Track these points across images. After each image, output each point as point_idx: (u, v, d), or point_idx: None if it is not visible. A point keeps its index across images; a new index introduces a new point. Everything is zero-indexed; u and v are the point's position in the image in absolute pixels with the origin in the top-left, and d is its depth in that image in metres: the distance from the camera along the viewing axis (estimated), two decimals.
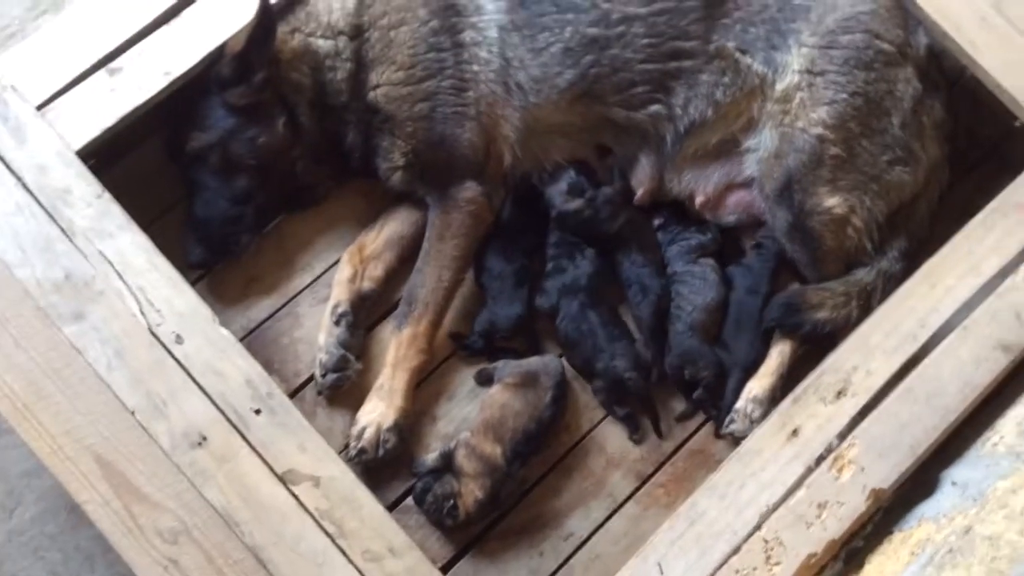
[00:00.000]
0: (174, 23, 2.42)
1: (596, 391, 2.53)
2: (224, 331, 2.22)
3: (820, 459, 2.20)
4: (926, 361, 2.26)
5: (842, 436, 2.21)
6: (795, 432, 2.23)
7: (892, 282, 2.48)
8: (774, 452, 2.21)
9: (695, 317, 2.51)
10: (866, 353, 2.28)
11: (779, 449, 2.22)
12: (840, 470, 2.19)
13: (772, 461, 2.21)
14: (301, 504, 2.11)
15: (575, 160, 2.59)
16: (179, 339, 2.19)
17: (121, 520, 2.07)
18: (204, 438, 2.13)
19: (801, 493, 2.17)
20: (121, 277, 2.22)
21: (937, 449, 2.23)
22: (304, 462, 2.14)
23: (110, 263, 2.23)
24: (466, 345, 2.56)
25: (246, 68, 2.38)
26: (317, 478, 2.13)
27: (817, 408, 2.25)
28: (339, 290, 2.54)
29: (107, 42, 2.38)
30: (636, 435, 2.52)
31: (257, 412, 2.16)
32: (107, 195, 2.29)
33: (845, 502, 2.16)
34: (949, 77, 2.62)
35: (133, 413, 2.13)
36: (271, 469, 2.13)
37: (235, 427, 2.14)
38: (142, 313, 2.20)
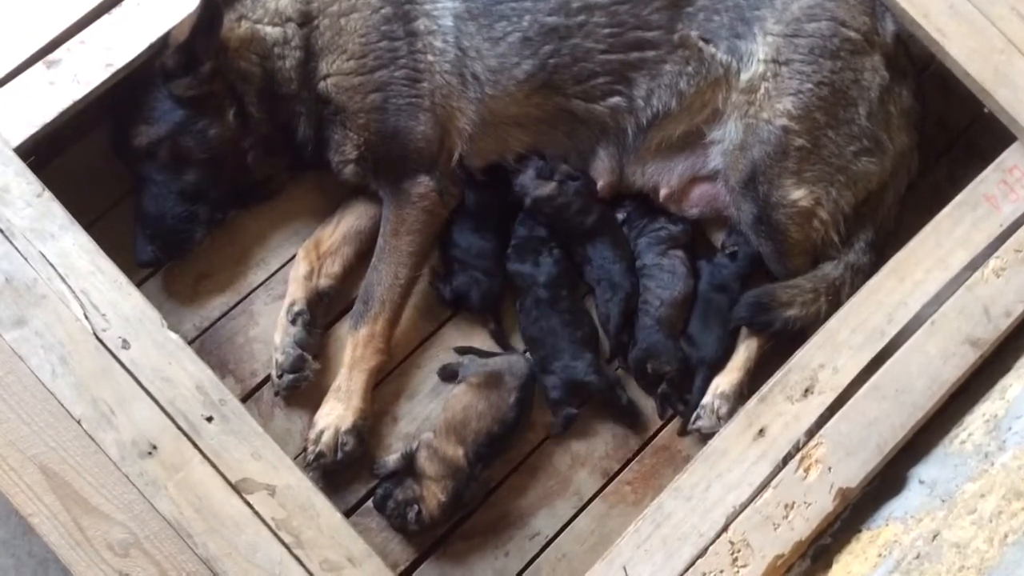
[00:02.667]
0: (115, 12, 2.32)
1: (547, 387, 2.46)
2: (173, 335, 2.14)
3: (787, 459, 2.17)
4: (894, 357, 2.23)
5: (809, 435, 2.18)
6: (761, 431, 2.19)
7: (860, 275, 2.44)
8: (740, 452, 2.18)
9: (661, 312, 2.47)
10: (833, 350, 2.24)
11: (745, 449, 2.18)
12: (807, 470, 2.16)
13: (738, 461, 2.17)
14: (256, 513, 2.05)
15: (532, 151, 2.52)
16: (126, 344, 2.11)
17: (69, 533, 2.00)
18: (154, 447, 2.05)
19: (768, 494, 2.13)
20: (64, 280, 2.13)
21: (905, 446, 2.21)
22: (259, 470, 2.07)
23: (52, 266, 2.14)
24: (438, 287, 2.51)
25: (192, 58, 2.29)
26: (272, 486, 2.07)
27: (784, 407, 2.21)
28: (295, 287, 2.46)
29: (44, 33, 2.28)
30: (558, 431, 2.47)
31: (209, 419, 2.09)
32: (47, 194, 2.19)
33: (812, 502, 2.13)
34: (918, 63, 2.57)
35: (79, 422, 2.05)
36: (224, 478, 2.06)
37: (186, 435, 2.07)
38: (87, 317, 2.11)
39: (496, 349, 2.52)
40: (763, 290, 2.47)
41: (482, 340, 2.54)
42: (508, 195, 2.52)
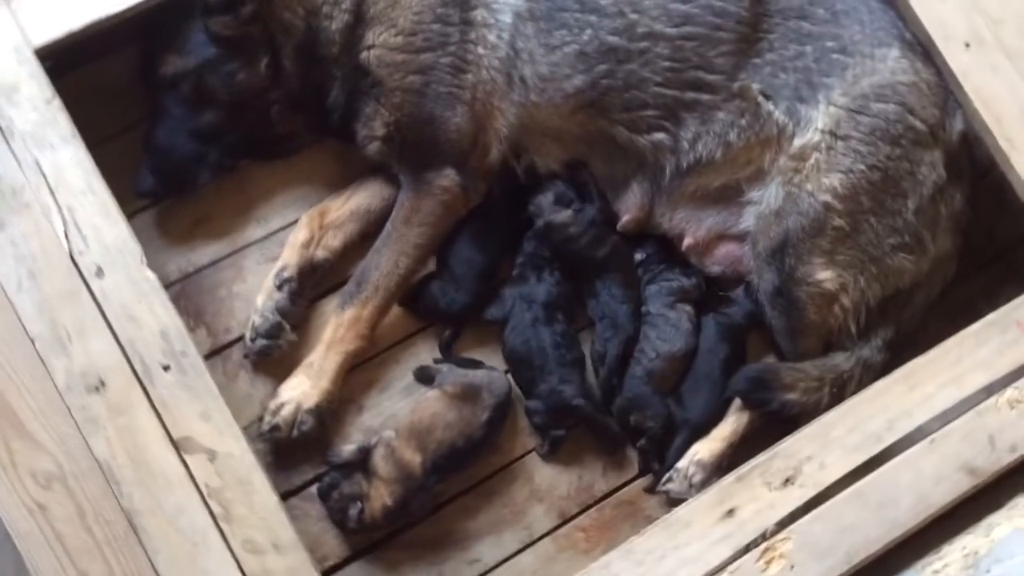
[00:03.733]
0: None
1: (531, 412, 2.36)
2: (150, 274, 2.04)
3: (751, 546, 2.05)
4: (885, 467, 2.11)
5: (779, 527, 2.06)
6: (731, 512, 2.07)
7: (871, 373, 2.32)
8: (704, 528, 2.06)
9: (655, 365, 2.35)
10: (824, 444, 2.12)
11: (710, 526, 2.06)
12: (769, 562, 2.04)
13: (700, 537, 2.05)
14: (191, 476, 1.95)
15: (563, 167, 2.43)
16: (100, 272, 2.02)
17: None
18: (103, 383, 1.96)
19: None
20: (52, 193, 2.05)
21: (875, 561, 2.09)
22: (204, 432, 1.98)
23: (44, 176, 2.05)
24: (409, 305, 2.40)
25: None
26: (214, 452, 1.97)
27: (760, 491, 2.09)
28: (290, 253, 2.36)
29: None
30: (545, 452, 2.37)
31: (166, 368, 2.00)
32: (58, 102, 2.11)
33: None
34: (978, 167, 2.45)
35: (33, 341, 1.97)
36: (167, 432, 1.96)
37: (139, 379, 1.98)
38: (66, 236, 2.03)
39: (492, 363, 2.41)
40: (767, 367, 2.35)
41: (469, 348, 2.44)
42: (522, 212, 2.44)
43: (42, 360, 1.96)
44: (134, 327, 2.00)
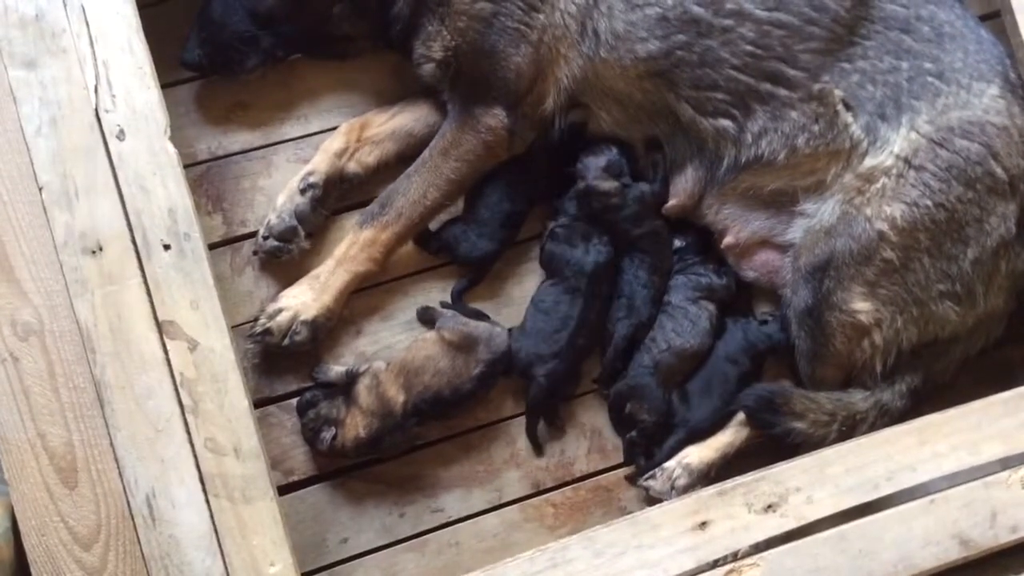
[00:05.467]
0: None
1: (530, 384, 2.27)
2: (171, 147, 1.97)
3: (716, 564, 1.96)
4: (874, 516, 2.00)
5: (749, 552, 1.97)
6: (704, 524, 1.98)
7: (887, 419, 2.21)
8: (672, 534, 1.97)
9: (664, 357, 2.25)
10: (817, 478, 2.02)
11: (679, 533, 1.97)
12: None
13: (666, 543, 1.96)
14: (168, 361, 1.89)
15: (621, 137, 2.30)
16: (121, 134, 1.95)
17: None
18: (100, 248, 1.90)
19: None
20: (92, 44, 1.97)
21: None
22: (190, 320, 1.92)
23: (87, 23, 1.97)
24: (423, 243, 2.32)
25: None
26: (196, 342, 1.91)
27: (738, 511, 2.00)
28: (321, 158, 2.28)
29: None
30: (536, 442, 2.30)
31: (166, 247, 1.93)
32: None
33: None
34: None
35: (41, 190, 1.91)
36: (153, 312, 1.90)
37: (137, 252, 1.92)
38: (95, 91, 1.95)
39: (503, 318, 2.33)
40: (780, 389, 2.24)
41: (481, 299, 2.35)
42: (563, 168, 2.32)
43: (45, 210, 1.90)
44: (144, 198, 1.94)
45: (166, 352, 1.90)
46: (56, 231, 1.90)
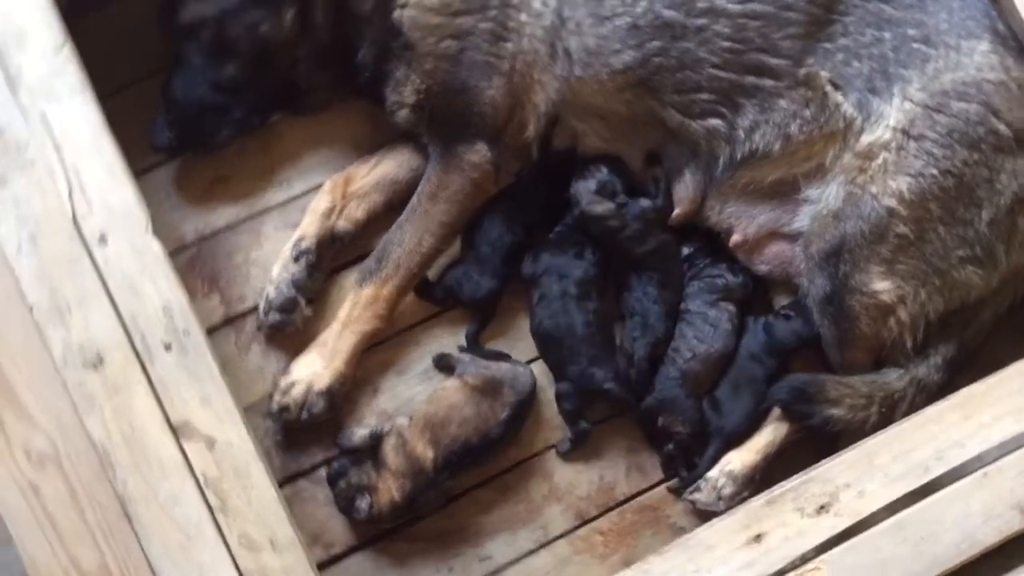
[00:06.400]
0: None
1: (561, 396, 2.24)
2: (155, 243, 1.91)
3: (778, 575, 1.92)
4: (930, 499, 1.95)
5: (809, 557, 1.92)
6: (758, 537, 1.93)
7: (925, 394, 2.15)
8: (728, 552, 1.92)
9: (690, 366, 2.20)
10: (865, 471, 1.96)
11: (735, 550, 1.92)
12: None
13: (723, 562, 1.91)
14: (188, 463, 1.84)
15: (612, 153, 2.24)
16: (103, 239, 1.89)
17: None
18: (101, 360, 1.85)
19: None
20: (58, 150, 1.91)
21: None
22: (203, 418, 1.87)
23: (50, 131, 1.91)
24: (426, 294, 2.27)
25: None
26: (213, 440, 1.86)
27: (791, 518, 1.94)
28: (310, 221, 2.23)
29: None
30: (566, 449, 2.24)
31: (167, 347, 1.88)
32: (69, 49, 1.96)
33: None
34: None
35: (31, 309, 1.85)
36: (165, 416, 1.85)
37: (138, 357, 1.86)
38: (70, 199, 1.90)
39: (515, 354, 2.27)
40: (812, 378, 2.18)
41: (492, 337, 2.30)
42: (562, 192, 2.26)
43: (39, 330, 1.85)
44: (136, 300, 1.89)
45: (185, 455, 1.85)
46: (54, 350, 1.85)
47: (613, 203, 2.20)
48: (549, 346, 2.25)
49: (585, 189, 2.21)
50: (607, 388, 2.20)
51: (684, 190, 2.23)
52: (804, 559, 1.92)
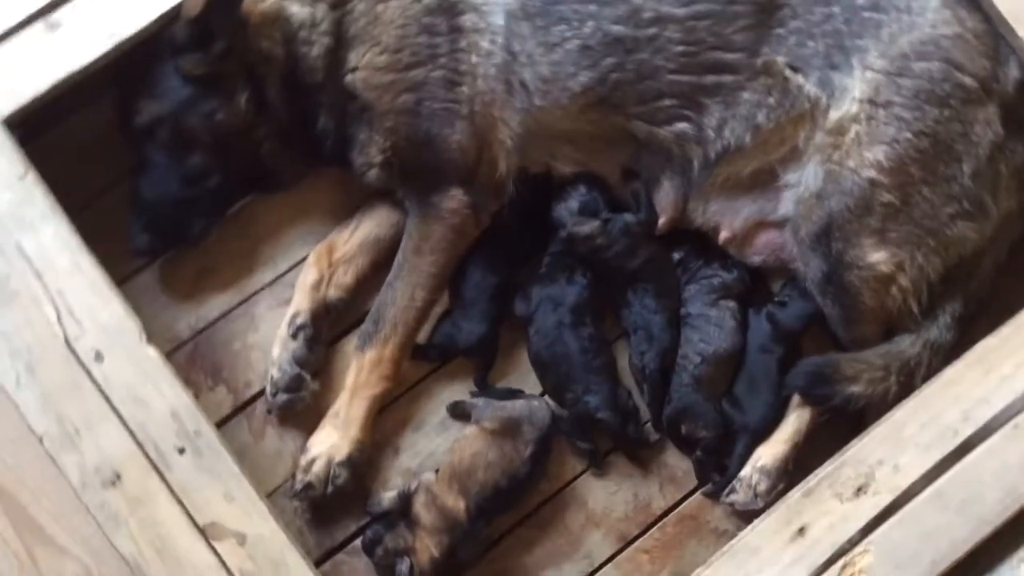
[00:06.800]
0: None
1: (560, 424, 2.22)
2: (152, 351, 1.92)
3: (828, 564, 1.90)
4: (965, 461, 1.94)
5: (856, 540, 1.91)
6: (802, 530, 1.92)
7: (940, 355, 2.13)
8: (775, 552, 1.91)
9: (702, 370, 2.18)
10: (896, 445, 1.95)
11: (781, 548, 1.91)
12: None
13: (771, 562, 1.91)
14: (222, 563, 1.84)
15: (587, 173, 2.24)
16: (99, 357, 1.90)
17: (20, 562, 1.83)
18: (118, 476, 1.85)
19: None
20: (39, 278, 1.92)
21: (965, 561, 1.93)
22: (230, 514, 1.86)
23: (28, 259, 1.93)
24: (421, 356, 2.26)
25: (205, 33, 2.03)
26: (243, 535, 1.85)
27: (831, 505, 1.93)
28: (301, 296, 2.22)
29: None
30: (597, 470, 2.24)
31: (181, 451, 1.88)
32: (32, 176, 1.97)
33: None
34: None
35: (41, 440, 1.86)
36: (191, 519, 1.85)
37: (155, 466, 1.86)
38: (60, 322, 1.90)
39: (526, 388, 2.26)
40: (826, 360, 2.16)
41: (502, 375, 2.29)
42: (544, 222, 2.26)
43: (52, 459, 1.85)
44: (143, 410, 1.89)
45: (218, 555, 1.84)
46: (71, 476, 1.85)
47: (598, 220, 2.19)
48: (545, 372, 2.24)
49: (567, 211, 2.20)
50: (600, 418, 2.19)
51: (665, 197, 2.22)
52: (851, 544, 1.91)
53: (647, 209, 2.22)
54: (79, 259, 1.94)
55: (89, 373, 1.89)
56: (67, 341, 1.89)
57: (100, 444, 1.86)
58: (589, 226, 2.19)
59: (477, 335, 2.21)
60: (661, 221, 2.24)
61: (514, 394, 2.21)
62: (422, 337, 2.25)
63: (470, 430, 2.17)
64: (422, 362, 2.27)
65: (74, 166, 2.19)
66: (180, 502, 1.85)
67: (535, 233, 2.28)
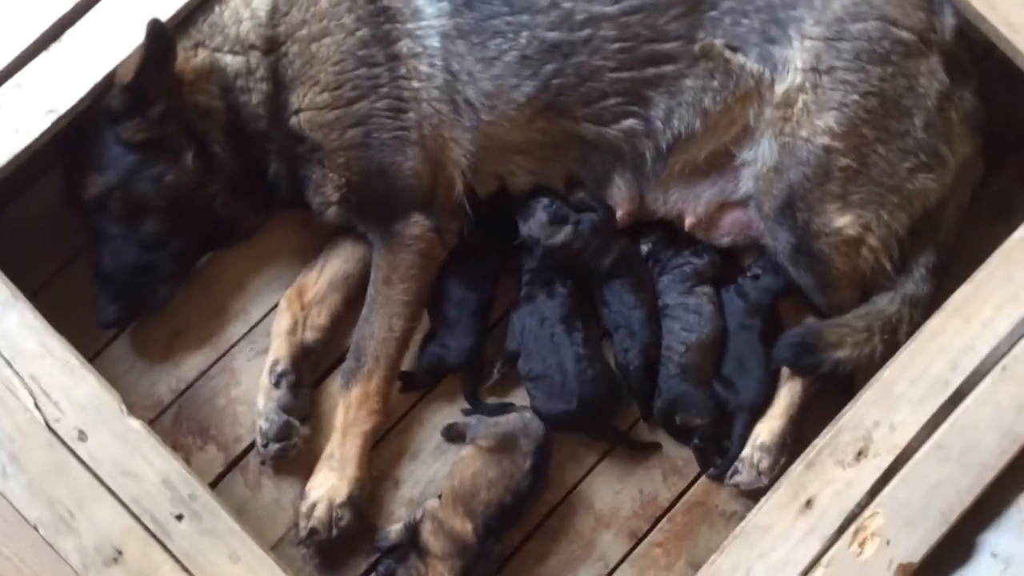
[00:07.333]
0: (53, 49, 2.03)
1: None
2: (134, 422, 1.89)
3: (839, 532, 1.91)
4: (959, 410, 1.95)
5: (863, 504, 1.92)
6: (809, 503, 1.93)
7: (920, 308, 2.14)
8: (785, 527, 1.91)
9: (687, 359, 2.18)
10: (889, 405, 1.96)
11: (791, 523, 1.92)
12: (862, 544, 1.90)
13: (783, 538, 1.91)
14: None
15: (541, 183, 2.23)
16: (82, 435, 1.87)
17: None
18: (120, 553, 1.83)
19: (818, 574, 1.88)
20: (10, 365, 1.90)
21: (973, 508, 1.93)
22: (237, 574, 1.84)
23: None
24: (411, 384, 2.25)
25: (141, 97, 2.01)
26: None
27: (834, 473, 1.94)
28: (278, 344, 2.21)
29: None
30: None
31: (179, 518, 1.86)
32: None
33: None
34: (977, 52, 2.23)
35: (36, 527, 1.84)
36: None
37: (155, 537, 1.84)
38: (37, 407, 1.88)
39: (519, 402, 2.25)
40: (808, 329, 2.17)
41: (495, 390, 2.28)
42: (511, 233, 2.24)
43: (50, 545, 1.83)
44: (134, 483, 1.87)
45: None
46: (71, 559, 1.82)
47: (569, 224, 2.19)
48: (539, 383, 2.21)
49: (537, 223, 2.19)
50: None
51: (618, 192, 2.22)
52: (859, 508, 1.92)
53: (602, 205, 2.22)
54: (47, 341, 1.92)
55: (75, 453, 1.87)
56: (48, 425, 1.87)
57: (96, 523, 1.84)
58: (563, 233, 2.19)
59: (466, 350, 2.20)
60: (619, 215, 2.23)
61: (505, 408, 2.20)
62: (406, 365, 2.24)
63: (467, 451, 2.16)
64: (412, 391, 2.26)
65: (26, 248, 2.19)
66: (186, 569, 1.83)
67: (502, 243, 2.26)
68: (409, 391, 2.25)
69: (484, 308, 2.24)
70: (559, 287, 2.24)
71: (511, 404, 2.24)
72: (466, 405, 2.26)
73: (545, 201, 2.21)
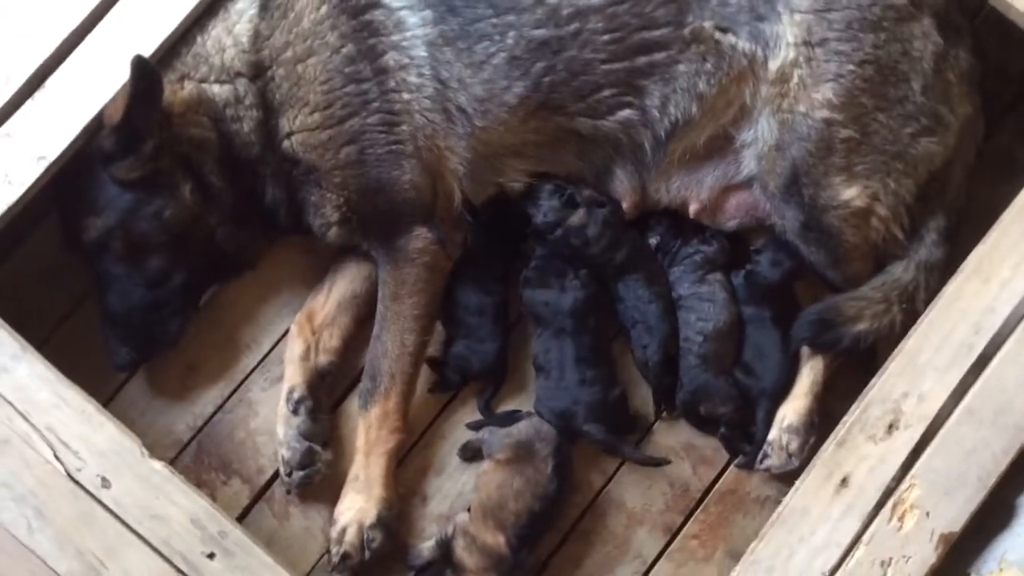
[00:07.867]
0: (37, 97, 2.01)
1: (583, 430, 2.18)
2: (156, 464, 1.88)
3: (877, 508, 1.89)
4: (986, 373, 1.93)
5: (899, 478, 1.90)
6: (844, 481, 1.90)
7: (936, 273, 2.12)
8: (823, 509, 1.89)
9: (706, 348, 2.16)
10: (915, 375, 1.94)
11: (828, 504, 1.89)
12: (902, 518, 1.88)
13: (822, 520, 1.89)
14: None
15: (545, 175, 2.21)
16: (106, 483, 1.86)
17: None
18: None
19: (860, 552, 1.87)
20: (26, 418, 1.88)
21: (1011, 471, 1.91)
22: None
23: (10, 403, 1.89)
24: (441, 378, 2.23)
25: (132, 135, 1.98)
26: None
27: (867, 448, 1.91)
28: (292, 370, 2.19)
29: None
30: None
31: (211, 556, 1.84)
32: None
33: (912, 555, 1.86)
34: (968, 9, 2.21)
35: None
36: None
37: None
38: (57, 458, 1.86)
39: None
40: (825, 305, 2.14)
41: (509, 397, 2.26)
42: (515, 235, 2.22)
43: None
44: (162, 526, 1.85)
45: None
46: None
47: (583, 208, 2.16)
48: (539, 373, 2.21)
49: (549, 207, 2.16)
50: (585, 430, 2.16)
51: (620, 185, 2.20)
52: (896, 482, 1.90)
53: (609, 200, 2.20)
54: (60, 390, 1.90)
55: (100, 501, 1.85)
56: (69, 475, 1.85)
57: (128, 570, 1.82)
58: (578, 216, 2.16)
59: (493, 352, 2.19)
60: (625, 207, 2.21)
61: (513, 417, 2.18)
62: (421, 381, 2.21)
63: (487, 465, 2.14)
64: (428, 401, 2.24)
65: (28, 299, 2.17)
66: None
67: (505, 246, 2.25)
68: (438, 392, 2.23)
69: (501, 311, 2.22)
70: (570, 280, 2.20)
71: (518, 411, 2.22)
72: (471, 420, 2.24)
73: (551, 184, 2.19)
